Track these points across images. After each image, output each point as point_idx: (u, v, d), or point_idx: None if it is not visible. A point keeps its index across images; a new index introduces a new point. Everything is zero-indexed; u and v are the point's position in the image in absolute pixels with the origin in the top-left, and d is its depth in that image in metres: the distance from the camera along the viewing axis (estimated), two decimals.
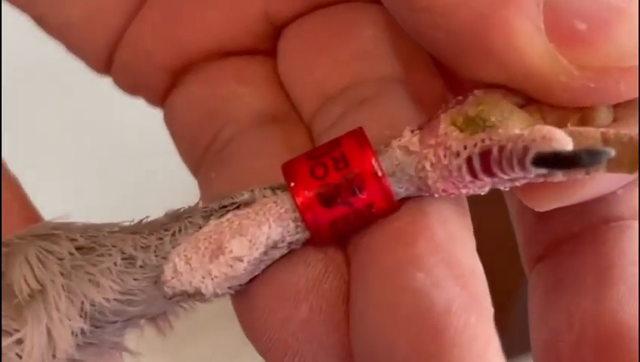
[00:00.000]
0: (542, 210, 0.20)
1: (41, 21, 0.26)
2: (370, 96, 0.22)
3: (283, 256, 0.20)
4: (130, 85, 0.26)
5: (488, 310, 0.18)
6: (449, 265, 0.19)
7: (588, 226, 0.21)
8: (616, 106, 0.20)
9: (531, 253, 0.22)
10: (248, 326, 0.20)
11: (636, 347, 0.19)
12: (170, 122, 0.26)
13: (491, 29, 0.18)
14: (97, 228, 0.21)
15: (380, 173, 0.20)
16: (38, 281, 0.20)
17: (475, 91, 0.20)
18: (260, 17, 0.25)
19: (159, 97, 0.26)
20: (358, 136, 0.20)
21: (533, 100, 0.20)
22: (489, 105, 0.19)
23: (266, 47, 0.25)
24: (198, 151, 0.24)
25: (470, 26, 0.19)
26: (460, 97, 0.20)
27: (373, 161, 0.20)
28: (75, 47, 0.26)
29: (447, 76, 0.23)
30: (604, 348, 0.19)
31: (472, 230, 0.20)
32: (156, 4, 0.25)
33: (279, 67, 0.25)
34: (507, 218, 0.24)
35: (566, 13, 0.18)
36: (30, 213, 0.23)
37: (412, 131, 0.20)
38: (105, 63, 0.26)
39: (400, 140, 0.20)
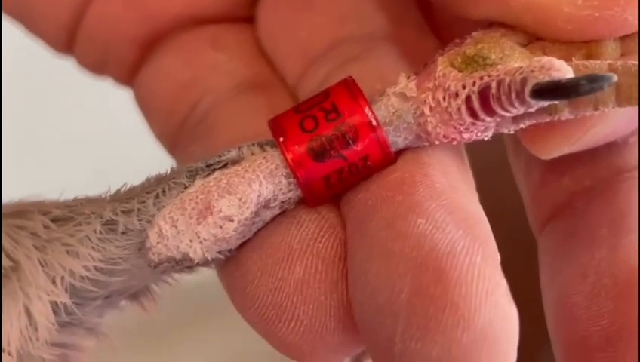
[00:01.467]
0: (549, 156, 0.19)
1: None
2: (359, 53, 0.21)
3: (274, 219, 0.19)
4: (96, 63, 0.25)
5: (494, 253, 0.17)
6: (451, 211, 0.17)
7: (600, 179, 0.20)
8: (623, 39, 0.19)
9: (540, 214, 0.21)
10: (239, 294, 0.19)
11: None
12: (141, 98, 0.24)
13: None
14: (74, 200, 0.19)
15: (374, 123, 0.18)
16: (10, 258, 0.18)
17: (474, 33, 0.19)
18: None
19: (128, 74, 0.24)
20: (348, 85, 0.19)
21: (534, 39, 0.19)
22: (489, 44, 0.18)
23: (243, 13, 0.24)
24: (174, 125, 0.23)
25: None
26: (458, 40, 0.19)
27: (367, 110, 0.18)
28: (35, 24, 0.24)
29: (441, 34, 0.22)
30: (622, 296, 0.18)
31: (473, 182, 0.19)
32: None
33: (260, 30, 0.23)
34: None
35: None
36: None
37: (408, 77, 0.19)
38: (67, 40, 0.24)
39: (395, 88, 0.19)
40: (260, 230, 0.19)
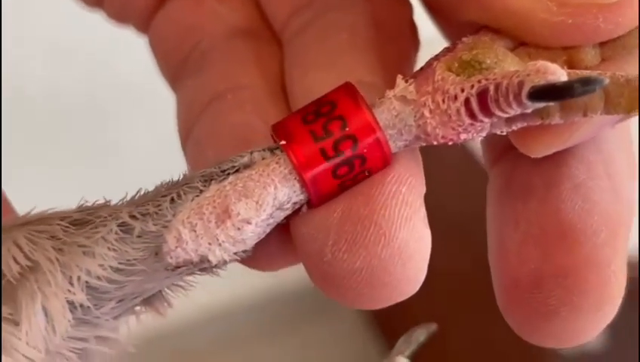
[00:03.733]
0: (538, 155, 0.20)
1: None
2: (333, 8, 0.23)
3: None
4: (120, 12, 0.27)
5: (420, 185, 0.20)
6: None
7: None
8: (602, 46, 0.20)
9: (489, 155, 0.23)
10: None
11: (577, 242, 0.20)
12: (153, 42, 0.27)
13: None
14: (92, 205, 0.20)
15: (387, 150, 0.20)
16: (28, 259, 0.19)
17: (464, 38, 0.20)
18: None
19: (144, 21, 0.26)
20: (353, 94, 0.20)
21: (519, 44, 0.20)
22: (483, 49, 0.20)
23: None
24: (177, 63, 0.25)
25: None
26: (450, 46, 0.20)
27: (374, 125, 0.20)
28: None
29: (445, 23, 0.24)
30: (549, 244, 0.20)
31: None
32: None
33: None
34: None
35: None
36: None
37: (406, 80, 0.20)
38: None
39: (395, 91, 0.20)
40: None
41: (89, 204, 0.20)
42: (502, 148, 0.22)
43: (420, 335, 0.25)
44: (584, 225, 0.20)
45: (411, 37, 0.24)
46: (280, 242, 0.21)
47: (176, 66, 0.26)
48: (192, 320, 1.05)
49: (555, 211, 0.20)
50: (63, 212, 0.20)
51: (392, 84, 0.20)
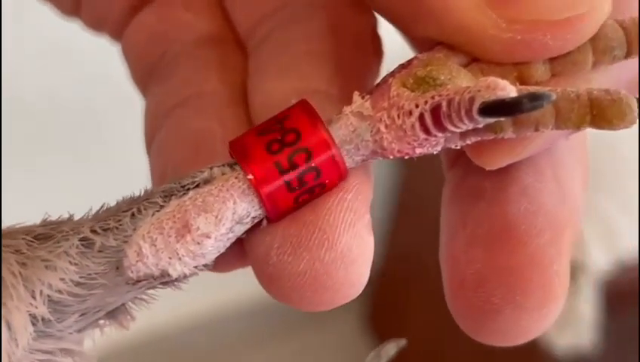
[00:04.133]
0: (492, 168, 0.21)
1: None
2: (298, 17, 0.24)
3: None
4: (96, 21, 0.28)
5: (366, 193, 0.21)
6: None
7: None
8: (552, 62, 0.20)
9: (445, 160, 0.23)
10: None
11: (521, 242, 0.20)
12: (125, 50, 0.27)
13: None
14: (56, 220, 0.21)
15: (342, 167, 0.20)
16: None
17: (419, 55, 0.21)
18: None
19: (119, 29, 0.27)
20: (312, 116, 0.20)
21: (473, 60, 0.20)
22: (437, 66, 0.20)
23: None
24: (146, 70, 0.26)
25: None
26: (405, 63, 0.21)
27: (334, 149, 0.20)
28: None
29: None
30: (494, 245, 0.21)
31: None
32: None
33: None
34: None
35: None
36: None
37: (362, 97, 0.20)
38: (75, 4, 0.27)
39: (352, 107, 0.20)
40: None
41: (53, 219, 0.20)
42: (456, 154, 0.23)
43: (390, 349, 0.26)
44: (529, 225, 0.20)
45: (373, 48, 0.24)
46: (231, 246, 0.21)
47: (145, 73, 0.26)
48: (186, 326, 1.05)
49: (501, 212, 0.21)
50: (28, 227, 0.20)
51: (350, 94, 0.21)
